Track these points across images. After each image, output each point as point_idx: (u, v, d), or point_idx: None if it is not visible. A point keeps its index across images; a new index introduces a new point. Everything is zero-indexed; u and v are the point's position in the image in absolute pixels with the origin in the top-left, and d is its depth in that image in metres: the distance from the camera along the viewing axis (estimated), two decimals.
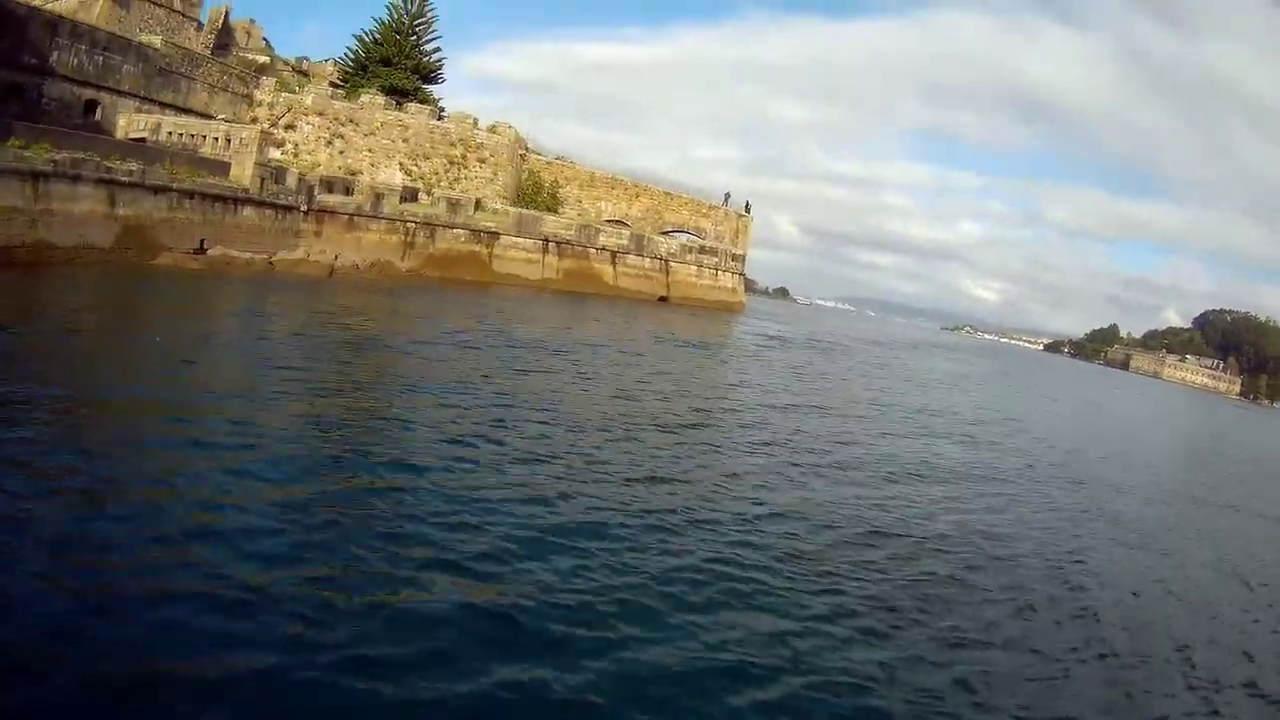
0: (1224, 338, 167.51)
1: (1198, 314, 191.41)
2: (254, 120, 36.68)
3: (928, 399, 29.00)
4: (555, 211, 45.54)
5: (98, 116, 29.77)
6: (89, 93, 29.58)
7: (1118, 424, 39.27)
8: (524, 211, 41.10)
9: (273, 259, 27.63)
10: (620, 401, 16.29)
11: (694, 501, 10.18)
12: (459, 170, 42.38)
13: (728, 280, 51.35)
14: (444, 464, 9.86)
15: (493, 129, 44.27)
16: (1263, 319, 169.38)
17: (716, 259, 50.36)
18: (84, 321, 14.99)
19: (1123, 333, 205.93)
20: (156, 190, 23.62)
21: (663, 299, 46.74)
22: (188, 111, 34.04)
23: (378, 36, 45.06)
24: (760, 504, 10.69)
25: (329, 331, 18.18)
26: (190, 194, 25.01)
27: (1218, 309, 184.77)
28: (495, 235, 38.75)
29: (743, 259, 53.27)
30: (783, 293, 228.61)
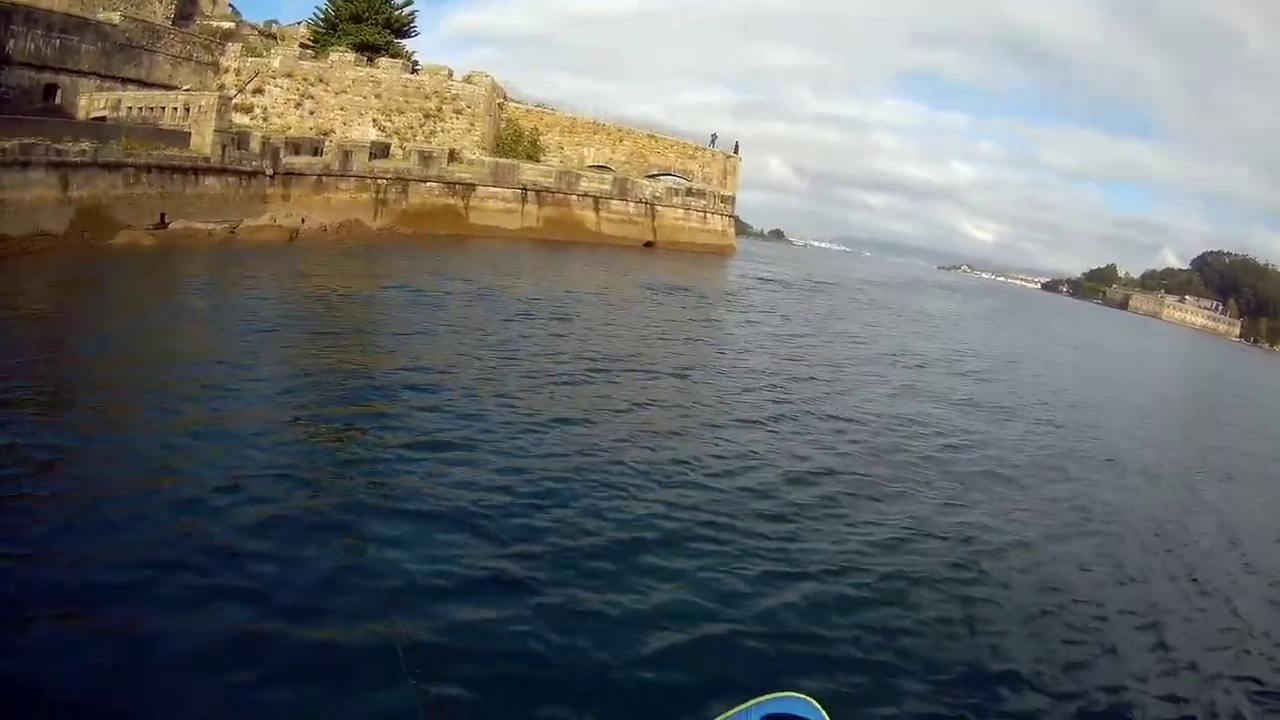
0: (1223, 279, 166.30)
1: (1196, 255, 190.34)
2: (221, 88, 37.58)
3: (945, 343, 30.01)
4: (537, 160, 45.98)
5: (58, 100, 30.83)
6: (48, 76, 30.62)
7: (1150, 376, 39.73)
8: (500, 160, 41.69)
9: (237, 228, 28.60)
10: (588, 361, 16.24)
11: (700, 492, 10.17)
12: (435, 123, 42.90)
13: (717, 223, 51.60)
14: (422, 449, 10.03)
15: (468, 79, 44.57)
16: (1262, 262, 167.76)
17: (705, 201, 50.56)
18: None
19: (1121, 272, 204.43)
20: (111, 167, 24.61)
21: (649, 244, 47.28)
22: (151, 85, 34.95)
23: None
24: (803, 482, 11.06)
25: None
26: (147, 168, 25.93)
27: (1216, 251, 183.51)
28: (471, 187, 39.53)
29: (732, 200, 53.32)
30: (778, 235, 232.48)
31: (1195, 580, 10.25)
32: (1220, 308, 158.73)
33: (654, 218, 47.86)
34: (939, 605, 8.03)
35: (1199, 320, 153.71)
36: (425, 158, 37.77)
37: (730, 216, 53.89)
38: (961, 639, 7.53)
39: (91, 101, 32.11)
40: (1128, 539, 11.19)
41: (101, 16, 34.26)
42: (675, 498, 9.55)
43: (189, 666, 5.50)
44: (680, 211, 49.43)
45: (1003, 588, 8.74)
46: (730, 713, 4.49)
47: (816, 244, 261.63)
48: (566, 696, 5.78)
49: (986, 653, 7.37)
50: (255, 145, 31.15)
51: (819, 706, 4.36)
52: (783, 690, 4.77)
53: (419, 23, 48.86)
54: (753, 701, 4.50)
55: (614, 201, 45.78)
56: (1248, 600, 9.95)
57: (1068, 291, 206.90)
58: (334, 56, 41.12)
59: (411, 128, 42.04)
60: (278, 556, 7.04)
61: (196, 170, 28.15)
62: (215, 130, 29.37)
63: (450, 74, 44.07)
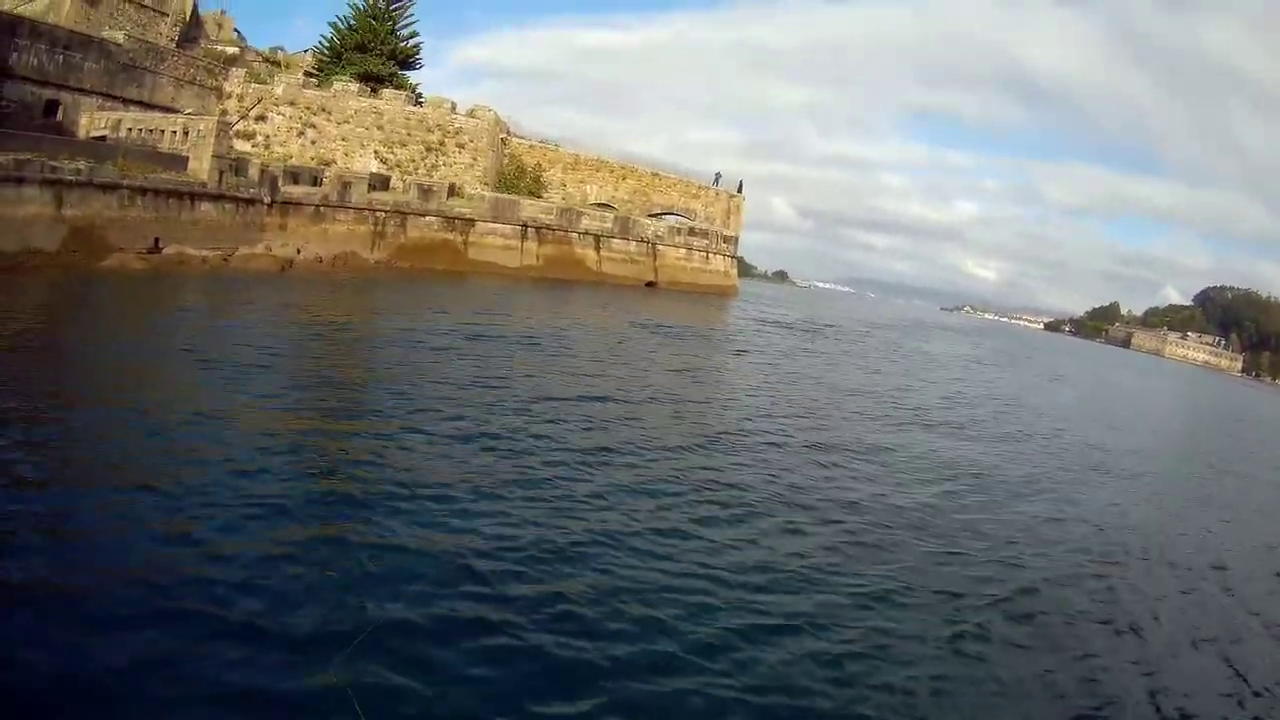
0: (1225, 314, 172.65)
1: (1198, 291, 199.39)
2: (223, 113, 37.67)
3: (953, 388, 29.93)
4: (539, 196, 46.11)
5: (59, 117, 30.81)
6: (49, 92, 30.63)
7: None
8: (501, 196, 41.73)
9: (230, 256, 28.26)
10: (577, 405, 15.65)
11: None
12: (437, 156, 43.12)
13: (719, 263, 51.80)
14: (403, 490, 9.64)
15: (471, 113, 44.91)
16: (1264, 296, 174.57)
17: (707, 241, 50.77)
18: None
19: (1123, 310, 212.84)
20: (106, 188, 24.45)
21: (650, 284, 47.30)
22: (153, 107, 35.03)
23: (353, 22, 45.81)
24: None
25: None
26: (142, 190, 25.76)
27: (1218, 286, 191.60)
28: (470, 222, 39.44)
29: (735, 240, 53.65)
30: (781, 276, 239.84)
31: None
32: (1222, 343, 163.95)
33: (655, 257, 47.95)
34: (932, 661, 7.69)
35: (1201, 356, 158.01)
36: (425, 191, 37.75)
37: (733, 257, 54.16)
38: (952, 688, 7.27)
39: (92, 120, 32.10)
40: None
41: (106, 35, 34.47)
42: (656, 546, 9.25)
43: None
44: (682, 251, 49.57)
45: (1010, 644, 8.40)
46: None
47: (820, 285, 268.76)
48: None
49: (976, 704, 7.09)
50: (253, 173, 31.07)
51: None
52: None
53: (424, 55, 49.44)
54: None
55: (615, 240, 45.82)
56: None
57: (1070, 331, 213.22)
58: (337, 86, 41.42)
59: (414, 160, 42.20)
60: (249, 586, 6.91)
61: (193, 195, 28.00)
62: (213, 156, 29.29)
63: (454, 107, 44.40)
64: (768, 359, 29.29)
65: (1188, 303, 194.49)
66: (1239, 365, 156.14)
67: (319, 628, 6.36)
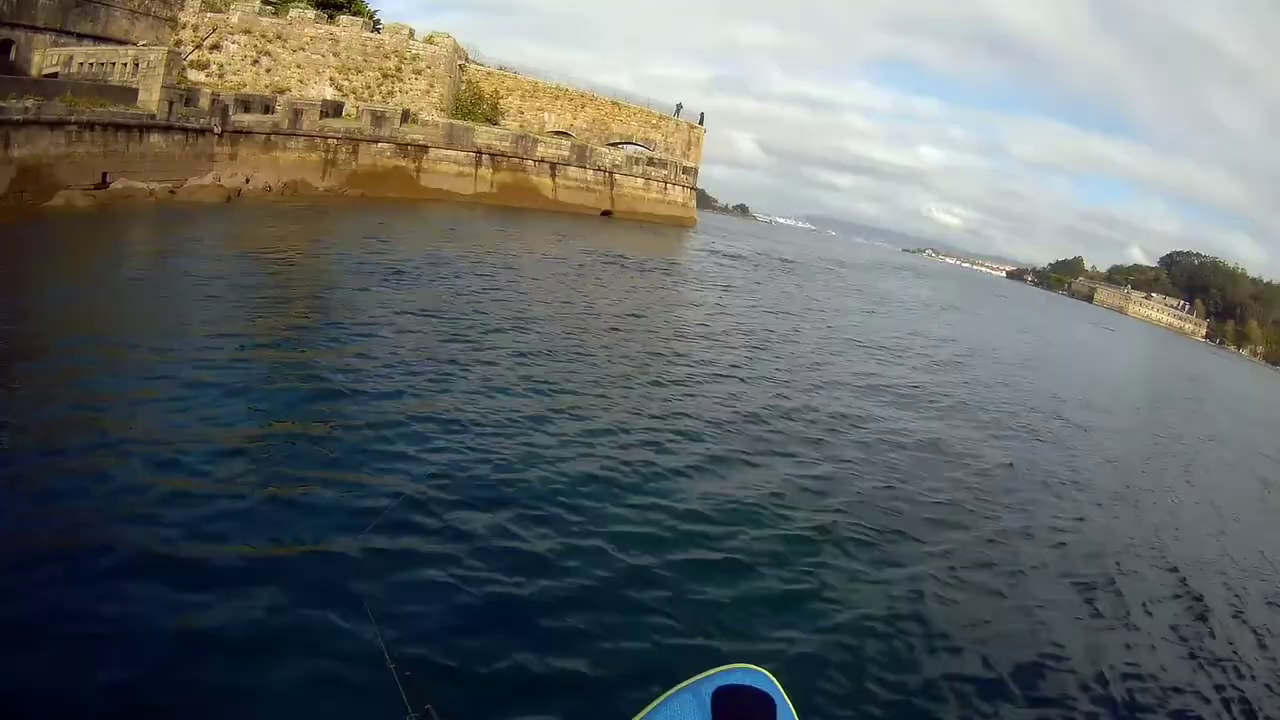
0: (1191, 280, 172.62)
1: (1164, 254, 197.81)
2: (177, 43, 39.22)
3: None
4: (496, 123, 47.70)
5: (12, 56, 32.25)
6: (3, 33, 32.15)
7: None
8: (455, 123, 43.34)
9: (176, 188, 29.93)
10: (532, 342, 16.11)
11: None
12: (393, 83, 44.56)
13: (678, 194, 53.37)
14: (360, 432, 10.11)
15: (429, 39, 46.06)
16: (1232, 265, 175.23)
17: (666, 171, 52.27)
18: None
19: (1087, 265, 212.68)
20: (53, 125, 26.12)
21: (606, 213, 49.12)
22: (107, 40, 36.38)
23: None
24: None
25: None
26: (90, 125, 27.26)
27: (1185, 251, 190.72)
28: (424, 149, 41.26)
29: (695, 172, 55.07)
30: (743, 210, 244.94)
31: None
32: (1187, 307, 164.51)
33: (612, 186, 49.65)
34: (871, 599, 8.42)
35: (1165, 318, 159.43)
36: (377, 117, 39.41)
37: (692, 189, 55.65)
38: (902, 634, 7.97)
39: (45, 58, 33.65)
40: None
41: None
42: (608, 485, 9.94)
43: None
44: (640, 181, 51.21)
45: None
46: (679, 687, 4.20)
47: (781, 221, 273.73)
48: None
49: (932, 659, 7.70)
50: (204, 102, 32.77)
51: (772, 677, 4.15)
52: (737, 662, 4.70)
53: None
54: (704, 674, 4.18)
55: (571, 168, 47.52)
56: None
57: (1033, 281, 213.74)
58: (293, 13, 42.61)
59: (369, 87, 43.69)
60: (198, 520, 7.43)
61: (142, 128, 29.64)
62: (163, 86, 30.68)
63: (411, 34, 45.52)
64: (720, 293, 30.52)
65: (1152, 264, 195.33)
66: (1203, 331, 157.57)
67: (251, 557, 7.00)
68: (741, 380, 16.56)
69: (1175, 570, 11.52)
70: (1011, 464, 14.79)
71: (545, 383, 13.42)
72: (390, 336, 14.66)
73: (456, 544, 7.76)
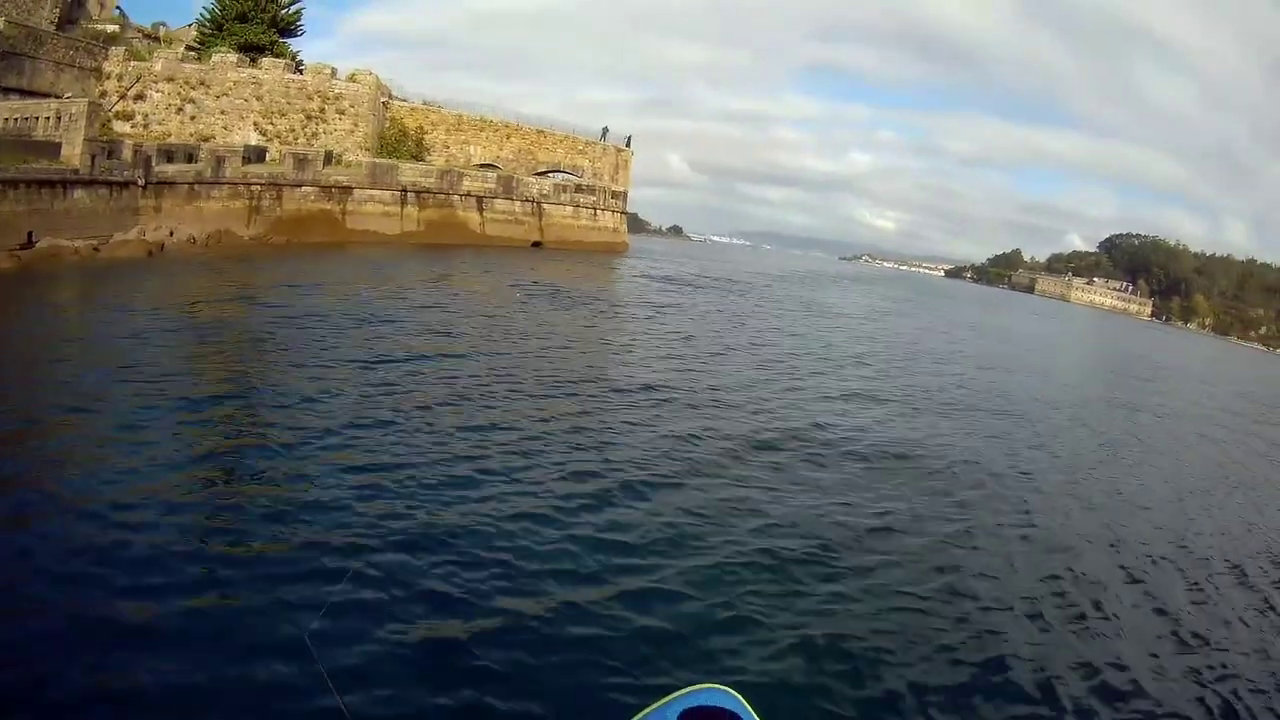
0: (1132, 260, 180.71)
1: (1103, 239, 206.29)
2: (102, 94, 40.94)
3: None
4: (422, 159, 49.74)
5: None
6: None
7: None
8: (378, 161, 45.22)
9: (101, 245, 30.75)
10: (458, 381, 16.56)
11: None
12: (317, 124, 46.59)
13: (608, 220, 55.82)
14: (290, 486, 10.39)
15: (352, 77, 48.19)
16: (1172, 242, 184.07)
17: (595, 197, 54.68)
18: None
19: (1026, 257, 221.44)
20: None
21: (537, 244, 51.20)
22: (33, 94, 37.89)
23: None
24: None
25: None
26: (14, 183, 28.05)
27: (1124, 233, 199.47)
28: (348, 190, 42.98)
29: (624, 196, 57.56)
30: (677, 231, 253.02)
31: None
32: (1130, 288, 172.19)
33: (541, 216, 51.98)
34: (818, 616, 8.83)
35: (1109, 301, 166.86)
36: (300, 160, 40.97)
37: (622, 213, 58.18)
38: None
39: None
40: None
41: None
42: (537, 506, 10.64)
43: None
44: (569, 209, 53.59)
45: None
46: (646, 710, 4.38)
47: (716, 239, 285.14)
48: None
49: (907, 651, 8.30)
50: (127, 154, 33.89)
51: (740, 697, 4.32)
52: (702, 683, 4.80)
53: (318, 25, 53.33)
54: (670, 696, 4.41)
55: (499, 201, 49.73)
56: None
57: (972, 278, 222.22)
58: (216, 58, 44.41)
59: (293, 130, 45.67)
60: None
61: (65, 183, 30.37)
62: (85, 140, 31.41)
63: (334, 73, 47.63)
64: (648, 319, 31.02)
65: (1092, 250, 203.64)
66: (1149, 310, 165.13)
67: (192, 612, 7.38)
68: (674, 404, 17.27)
69: (1140, 563, 12.18)
70: (960, 465, 15.64)
71: (478, 426, 13.72)
72: (319, 385, 14.95)
73: (400, 590, 8.07)
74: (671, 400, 17.57)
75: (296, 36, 51.44)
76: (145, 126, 41.87)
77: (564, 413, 15.24)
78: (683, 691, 4.37)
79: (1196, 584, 11.77)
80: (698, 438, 14.62)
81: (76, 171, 31.21)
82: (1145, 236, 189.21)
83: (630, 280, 45.92)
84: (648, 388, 18.43)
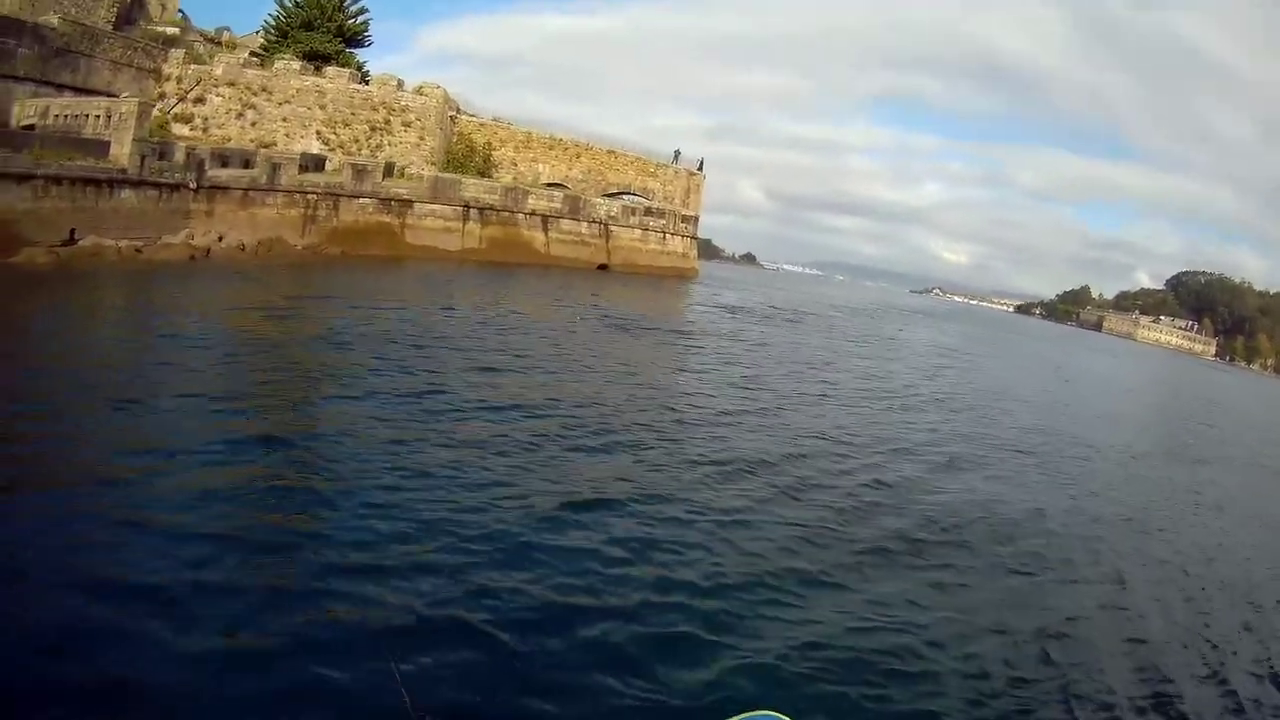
0: (1198, 299, 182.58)
1: (1170, 276, 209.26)
2: (161, 96, 40.25)
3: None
4: (489, 176, 48.33)
5: None
6: None
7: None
8: (441, 175, 43.87)
9: (146, 246, 29.92)
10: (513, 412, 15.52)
11: None
12: (382, 136, 45.44)
13: (678, 244, 53.78)
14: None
15: (419, 90, 47.13)
16: (1237, 280, 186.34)
17: (664, 221, 52.76)
18: None
19: (1094, 293, 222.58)
20: (20, 179, 26.74)
21: (603, 267, 49.40)
22: (89, 92, 37.38)
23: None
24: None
25: None
26: (58, 179, 27.60)
27: (1190, 270, 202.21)
28: (408, 203, 41.64)
29: (695, 220, 55.53)
30: (749, 258, 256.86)
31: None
32: (1195, 327, 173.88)
33: (609, 239, 50.06)
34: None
35: (1174, 340, 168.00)
36: (359, 171, 39.82)
37: (692, 238, 56.04)
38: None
39: (23, 109, 34.54)
40: None
41: (41, 19, 36.90)
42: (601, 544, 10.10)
43: None
44: (638, 232, 51.65)
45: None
46: None
47: (789, 268, 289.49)
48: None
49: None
50: (179, 156, 33.16)
51: None
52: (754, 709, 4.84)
53: (393, 39, 52.81)
54: None
55: (565, 221, 47.95)
56: None
57: (1041, 314, 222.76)
58: (278, 65, 43.67)
59: (357, 140, 44.53)
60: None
61: (112, 182, 29.95)
62: (135, 140, 31.00)
63: (400, 85, 46.62)
64: (720, 352, 28.88)
65: (1159, 287, 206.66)
66: (1213, 350, 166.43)
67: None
68: (763, 435, 16.79)
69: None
70: (1042, 510, 14.98)
71: (547, 460, 12.98)
72: (375, 411, 14.26)
73: (481, 613, 7.96)
74: (762, 429, 17.16)
75: (364, 47, 50.97)
76: (205, 130, 41.00)
77: (641, 454, 14.11)
78: (740, 717, 4.25)
79: None
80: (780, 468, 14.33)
81: (124, 171, 30.60)
82: (1211, 274, 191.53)
83: (701, 309, 43.51)
84: (732, 422, 17.62)
